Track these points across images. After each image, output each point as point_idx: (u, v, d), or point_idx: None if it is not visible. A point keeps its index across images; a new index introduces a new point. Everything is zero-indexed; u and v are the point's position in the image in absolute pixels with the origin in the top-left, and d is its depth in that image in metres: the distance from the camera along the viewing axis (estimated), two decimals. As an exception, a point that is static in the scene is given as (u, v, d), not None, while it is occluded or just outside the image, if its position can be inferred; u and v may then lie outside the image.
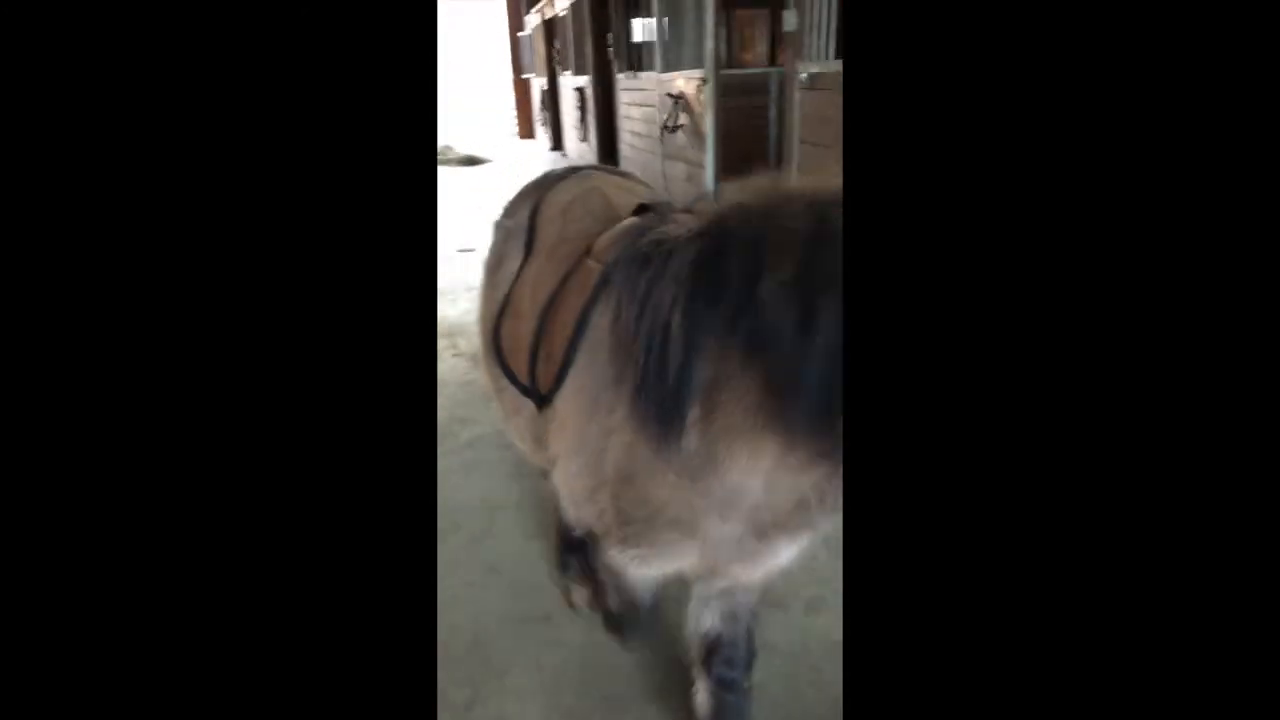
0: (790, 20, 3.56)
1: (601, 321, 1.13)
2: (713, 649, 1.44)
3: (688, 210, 1.09)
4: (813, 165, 3.65)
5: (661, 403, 0.97)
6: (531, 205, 1.54)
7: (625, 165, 7.60)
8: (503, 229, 1.60)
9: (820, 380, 0.83)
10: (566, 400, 1.20)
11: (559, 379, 1.19)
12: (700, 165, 5.10)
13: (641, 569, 1.25)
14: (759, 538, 1.08)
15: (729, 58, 7.88)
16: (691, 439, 0.98)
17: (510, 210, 1.65)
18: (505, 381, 1.41)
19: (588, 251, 1.27)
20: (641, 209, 1.29)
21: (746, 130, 5.43)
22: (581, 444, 1.17)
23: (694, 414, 0.96)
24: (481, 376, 1.87)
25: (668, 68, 5.81)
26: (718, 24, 4.69)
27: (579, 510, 1.25)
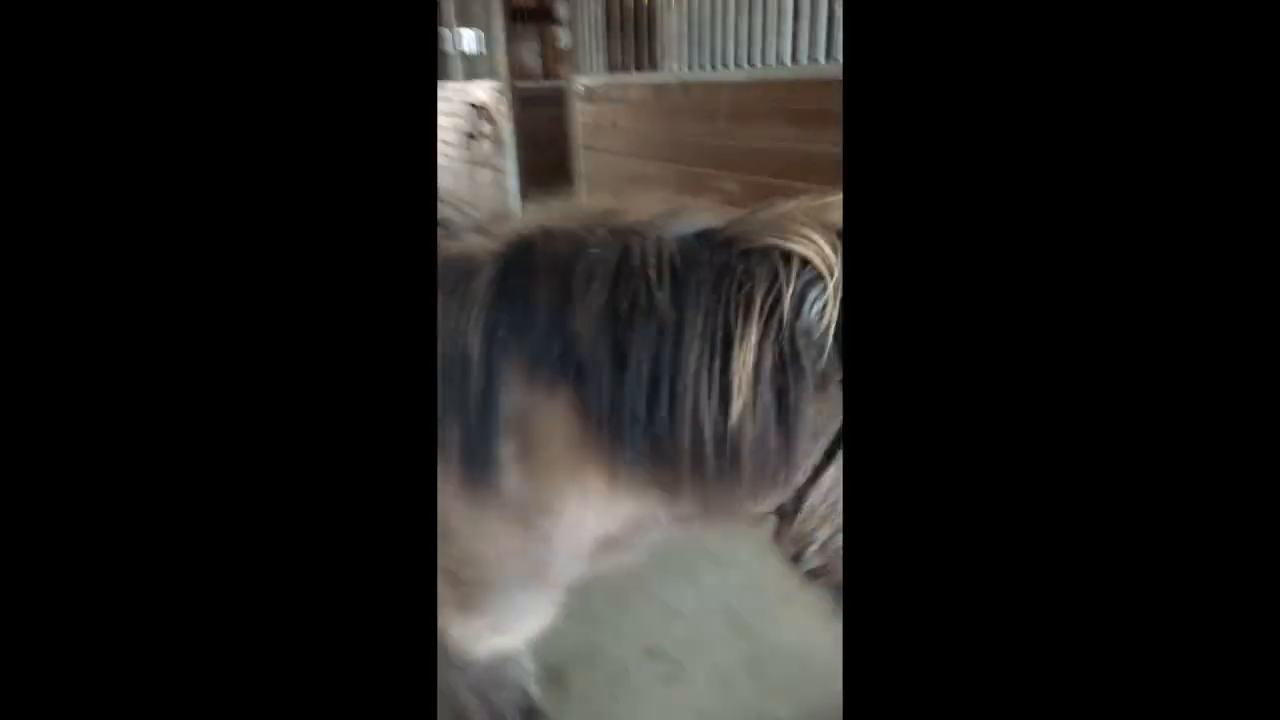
0: (563, 38, 3.92)
1: None
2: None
3: (481, 230, 1.01)
4: (595, 170, 4.02)
5: (466, 438, 0.90)
6: None
7: (439, 173, 7.70)
8: None
9: (641, 410, 0.82)
10: None
11: None
12: (504, 172, 5.37)
13: (489, 643, 1.11)
14: (592, 563, 1.03)
15: (543, 68, 8.23)
16: (511, 479, 0.91)
17: None
18: None
19: None
20: None
21: (550, 138, 5.76)
22: None
23: (509, 450, 0.90)
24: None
25: (469, 77, 6.03)
26: (519, 37, 4.99)
27: None
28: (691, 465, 0.83)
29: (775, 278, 0.78)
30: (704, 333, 0.79)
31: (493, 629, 1.08)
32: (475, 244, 0.97)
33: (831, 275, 0.76)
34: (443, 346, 0.89)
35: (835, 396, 0.80)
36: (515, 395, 0.88)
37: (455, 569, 1.00)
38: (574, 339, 0.84)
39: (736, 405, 0.78)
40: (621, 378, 0.82)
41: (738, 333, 0.78)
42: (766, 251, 0.80)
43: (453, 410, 0.89)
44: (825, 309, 0.76)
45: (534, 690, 1.28)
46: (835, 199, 0.84)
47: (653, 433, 0.82)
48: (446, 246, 0.97)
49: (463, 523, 0.95)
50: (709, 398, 0.79)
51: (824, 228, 0.79)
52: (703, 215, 0.89)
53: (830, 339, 0.76)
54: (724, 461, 0.82)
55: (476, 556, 0.99)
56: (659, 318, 0.80)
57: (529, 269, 0.88)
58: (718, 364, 0.79)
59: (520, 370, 0.88)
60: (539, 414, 0.89)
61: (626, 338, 0.81)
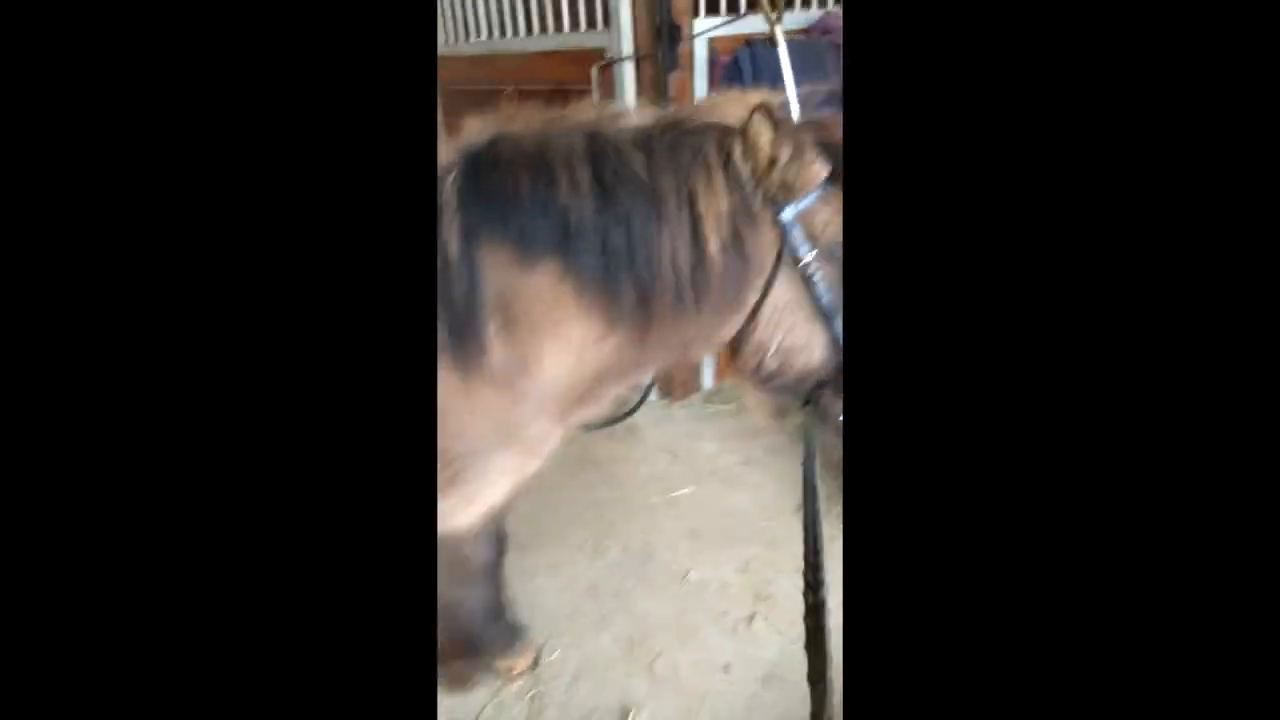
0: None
1: None
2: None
3: None
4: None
5: (454, 327, 1.04)
6: None
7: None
8: None
9: (627, 260, 1.01)
10: None
11: None
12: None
13: (467, 513, 1.25)
14: (561, 419, 1.20)
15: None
16: (497, 352, 1.07)
17: None
18: None
19: None
20: None
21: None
22: None
23: (495, 327, 1.06)
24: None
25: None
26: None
27: None
28: (675, 301, 1.03)
29: (723, 143, 1.02)
30: (676, 189, 1.01)
31: (468, 500, 1.23)
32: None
33: (754, 138, 0.99)
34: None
35: (772, 231, 1.04)
36: (498, 278, 1.05)
37: (448, 445, 1.12)
38: (561, 214, 1.02)
39: (712, 242, 1.00)
40: (609, 236, 1.01)
41: (701, 186, 1.00)
42: (708, 129, 1.04)
43: (440, 305, 1.03)
44: (754, 164, 1.01)
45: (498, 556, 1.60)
46: (741, 97, 1.09)
47: (637, 277, 1.02)
48: None
49: (453, 404, 1.06)
50: (684, 240, 1.01)
51: (743, 109, 1.01)
52: (626, 117, 1.11)
53: (758, 185, 1.01)
54: (699, 292, 1.03)
55: (466, 433, 1.15)
56: (640, 184, 1.01)
57: (495, 166, 1.05)
58: (686, 213, 1.01)
59: (503, 254, 1.04)
60: (524, 289, 1.05)
61: (612, 204, 1.01)
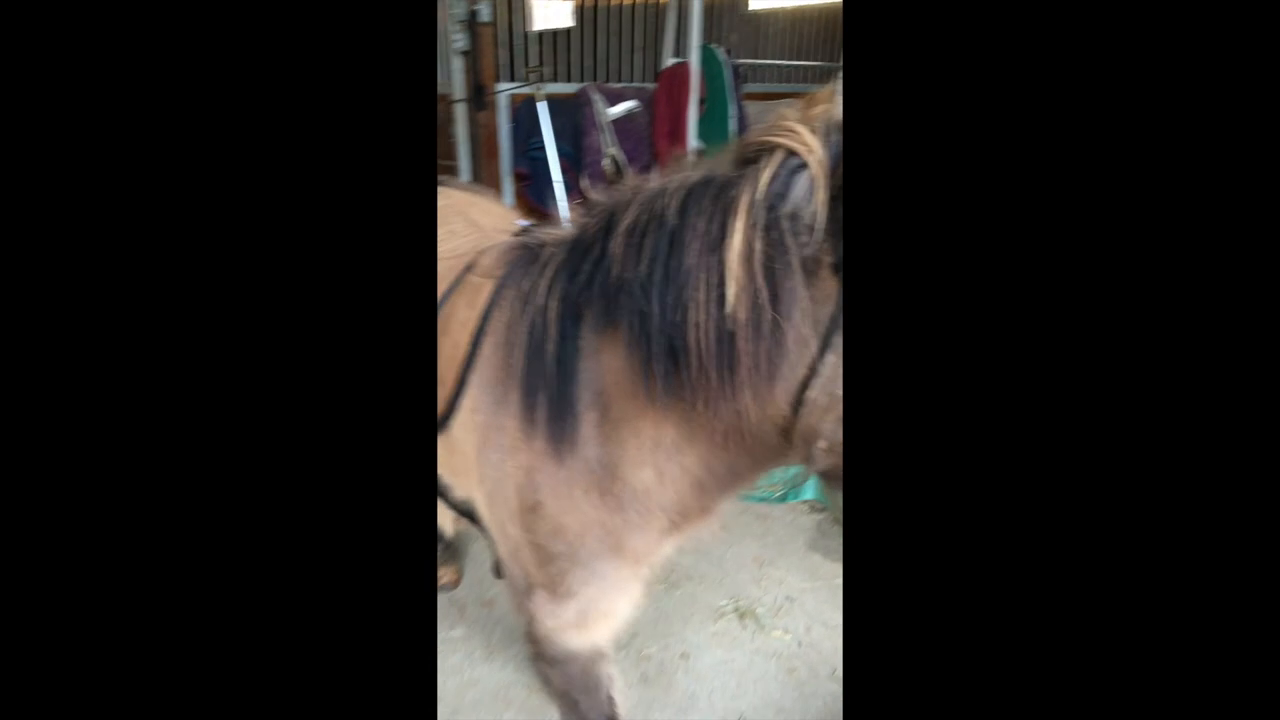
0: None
1: (493, 338, 1.07)
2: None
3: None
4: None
5: (548, 394, 0.95)
6: None
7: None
8: None
9: (658, 317, 0.84)
10: (462, 427, 1.12)
11: (452, 403, 1.11)
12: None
13: (582, 634, 1.15)
14: (667, 536, 1.06)
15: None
16: (590, 446, 0.96)
17: None
18: None
19: (468, 269, 1.23)
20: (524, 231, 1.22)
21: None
22: (483, 474, 1.12)
23: (590, 414, 0.96)
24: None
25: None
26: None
27: (497, 550, 1.20)
28: (698, 364, 0.83)
29: (758, 172, 0.80)
30: (703, 233, 0.82)
31: (581, 617, 1.12)
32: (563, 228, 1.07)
33: (813, 158, 0.77)
34: (523, 312, 0.98)
35: (829, 283, 0.78)
36: (588, 355, 0.95)
37: (547, 543, 1.05)
38: (613, 263, 0.89)
39: (730, 290, 0.79)
40: (642, 289, 0.85)
41: (730, 226, 0.80)
42: (757, 154, 0.83)
43: (532, 367, 0.96)
44: (810, 193, 0.77)
45: (619, 698, 1.33)
46: (821, 92, 0.83)
47: (669, 342, 0.84)
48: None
49: (551, 494, 1.01)
50: (707, 290, 0.81)
51: (806, 120, 0.80)
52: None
53: (820, 224, 0.77)
54: (724, 352, 0.81)
55: (565, 529, 1.03)
56: (668, 224, 0.84)
57: (601, 230, 0.94)
58: (714, 259, 0.81)
59: (589, 322, 0.94)
60: (606, 368, 0.95)
61: (642, 250, 0.86)
